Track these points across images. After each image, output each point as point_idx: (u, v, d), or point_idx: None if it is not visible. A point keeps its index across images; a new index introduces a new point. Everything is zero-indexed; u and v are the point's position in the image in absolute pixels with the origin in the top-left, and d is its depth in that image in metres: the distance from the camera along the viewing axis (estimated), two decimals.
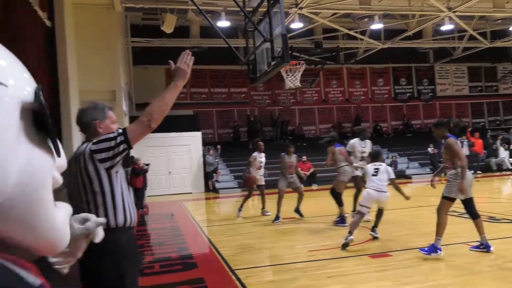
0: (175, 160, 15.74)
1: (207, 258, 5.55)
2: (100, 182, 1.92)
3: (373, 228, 5.80)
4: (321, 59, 17.74)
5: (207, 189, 15.86)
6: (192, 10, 13.47)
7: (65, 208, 0.64)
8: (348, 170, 7.32)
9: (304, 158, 15.41)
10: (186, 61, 1.95)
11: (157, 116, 1.87)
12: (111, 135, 1.91)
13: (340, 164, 7.42)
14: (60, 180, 0.58)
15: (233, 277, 4.37)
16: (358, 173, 7.32)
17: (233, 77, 19.29)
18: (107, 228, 1.95)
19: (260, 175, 8.66)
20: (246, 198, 8.83)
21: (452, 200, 4.72)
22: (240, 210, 8.83)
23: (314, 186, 15.05)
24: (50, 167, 0.54)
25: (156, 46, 15.18)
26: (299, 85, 10.64)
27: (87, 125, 2.08)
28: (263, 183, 8.72)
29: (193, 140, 15.90)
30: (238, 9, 12.33)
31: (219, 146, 17.24)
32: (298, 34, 14.90)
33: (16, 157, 0.49)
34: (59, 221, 0.57)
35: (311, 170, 15.60)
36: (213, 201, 13.73)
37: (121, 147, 1.88)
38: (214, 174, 15.80)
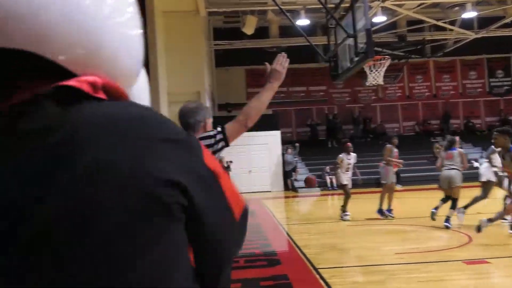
0: (255, 158, 16.07)
1: (290, 255, 5.59)
2: None
3: None
4: (405, 53, 16.85)
5: (286, 187, 15.95)
6: (271, 10, 13.64)
7: None
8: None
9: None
10: (282, 63, 2.00)
11: (254, 115, 1.94)
12: (211, 133, 2.02)
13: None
14: None
15: (317, 276, 4.35)
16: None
17: (312, 75, 19.14)
18: None
19: (347, 177, 8.20)
20: (346, 198, 8.18)
21: None
22: (344, 212, 8.12)
23: (399, 187, 14.35)
24: None
25: (236, 48, 15.64)
26: (382, 82, 10.21)
27: (196, 123, 2.21)
28: (347, 183, 8.19)
29: (272, 139, 16.09)
30: (317, 7, 12.26)
31: (297, 144, 17.24)
32: (380, 28, 14.31)
33: None
34: None
35: (395, 169, 14.87)
36: (292, 199, 13.78)
37: (220, 144, 1.99)
38: (293, 173, 15.84)
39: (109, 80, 0.50)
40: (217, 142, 2.00)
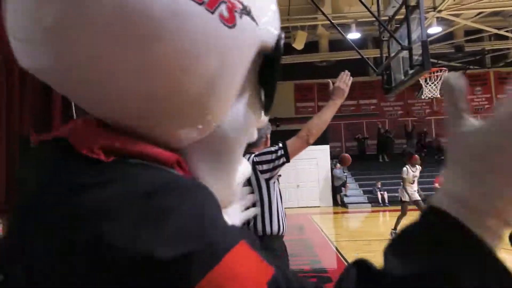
0: (303, 173, 15.92)
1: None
2: (260, 191, 2.08)
3: None
4: (462, 64, 16.10)
5: (335, 203, 15.62)
6: (321, 25, 13.63)
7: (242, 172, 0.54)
8: None
9: None
10: (345, 81, 2.00)
11: (316, 132, 1.95)
12: (272, 149, 2.06)
13: None
14: (254, 136, 0.51)
15: None
16: None
17: (362, 88, 18.78)
18: (263, 235, 2.08)
19: (413, 190, 7.81)
20: (401, 216, 7.76)
21: None
22: (394, 230, 7.71)
23: None
24: (252, 122, 0.48)
25: (286, 63, 15.74)
26: (439, 94, 9.78)
27: (258, 139, 2.26)
28: (417, 197, 7.71)
29: (321, 154, 15.89)
30: (368, 19, 12.09)
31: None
32: (435, 39, 13.81)
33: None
34: (235, 179, 0.49)
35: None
36: (342, 215, 13.45)
37: (281, 160, 2.02)
38: (343, 188, 15.50)
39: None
40: (278, 157, 2.02)
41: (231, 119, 0.44)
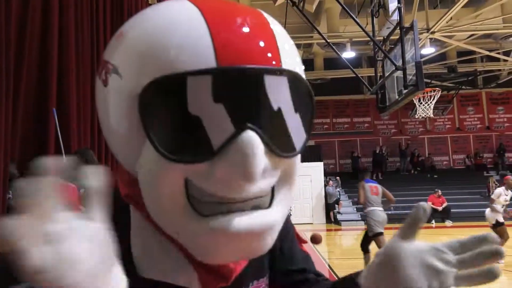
0: (296, 190, 15.40)
1: None
2: None
3: None
4: (455, 84, 16.34)
5: (328, 220, 15.57)
6: (317, 43, 13.80)
7: None
8: None
9: (439, 192, 14.03)
10: None
11: None
12: None
13: None
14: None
15: None
16: None
17: (356, 106, 18.95)
18: None
19: (500, 212, 6.90)
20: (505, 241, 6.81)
21: None
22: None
23: (448, 223, 13.59)
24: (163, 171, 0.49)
25: None
26: (432, 114, 9.89)
27: None
28: (501, 220, 6.92)
29: (314, 171, 15.89)
30: (363, 39, 12.27)
31: (338, 178, 16.87)
32: (428, 60, 14.05)
33: None
34: None
35: (445, 204, 14.17)
36: (335, 233, 13.39)
37: None
38: (336, 206, 15.47)
39: None
40: None
41: (142, 166, 0.47)
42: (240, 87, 0.43)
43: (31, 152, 3.61)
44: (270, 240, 0.48)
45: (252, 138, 0.42)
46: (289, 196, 0.53)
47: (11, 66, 3.41)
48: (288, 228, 0.70)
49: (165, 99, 0.43)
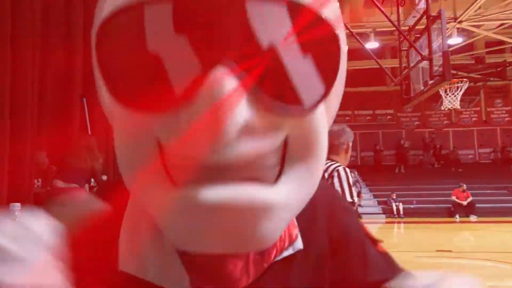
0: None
1: None
2: None
3: None
4: (483, 76, 15.83)
5: None
6: None
7: None
8: None
9: (464, 186, 13.71)
10: None
11: None
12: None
13: None
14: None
15: None
16: None
17: (379, 98, 18.62)
18: None
19: None
20: None
21: None
22: None
23: (473, 218, 13.27)
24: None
25: None
26: (459, 106, 9.61)
27: (339, 145, 2.29)
28: None
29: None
30: (386, 29, 11.99)
31: (355, 172, 16.67)
32: (455, 50, 13.63)
33: None
34: None
35: (469, 199, 13.84)
36: None
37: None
38: (357, 198, 15.31)
39: None
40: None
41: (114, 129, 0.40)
42: (209, 10, 0.32)
43: (58, 140, 3.70)
44: (269, 227, 0.35)
45: (222, 77, 0.31)
46: (306, 174, 0.38)
47: (37, 57, 3.48)
48: (351, 225, 0.56)
49: (121, 36, 0.35)
